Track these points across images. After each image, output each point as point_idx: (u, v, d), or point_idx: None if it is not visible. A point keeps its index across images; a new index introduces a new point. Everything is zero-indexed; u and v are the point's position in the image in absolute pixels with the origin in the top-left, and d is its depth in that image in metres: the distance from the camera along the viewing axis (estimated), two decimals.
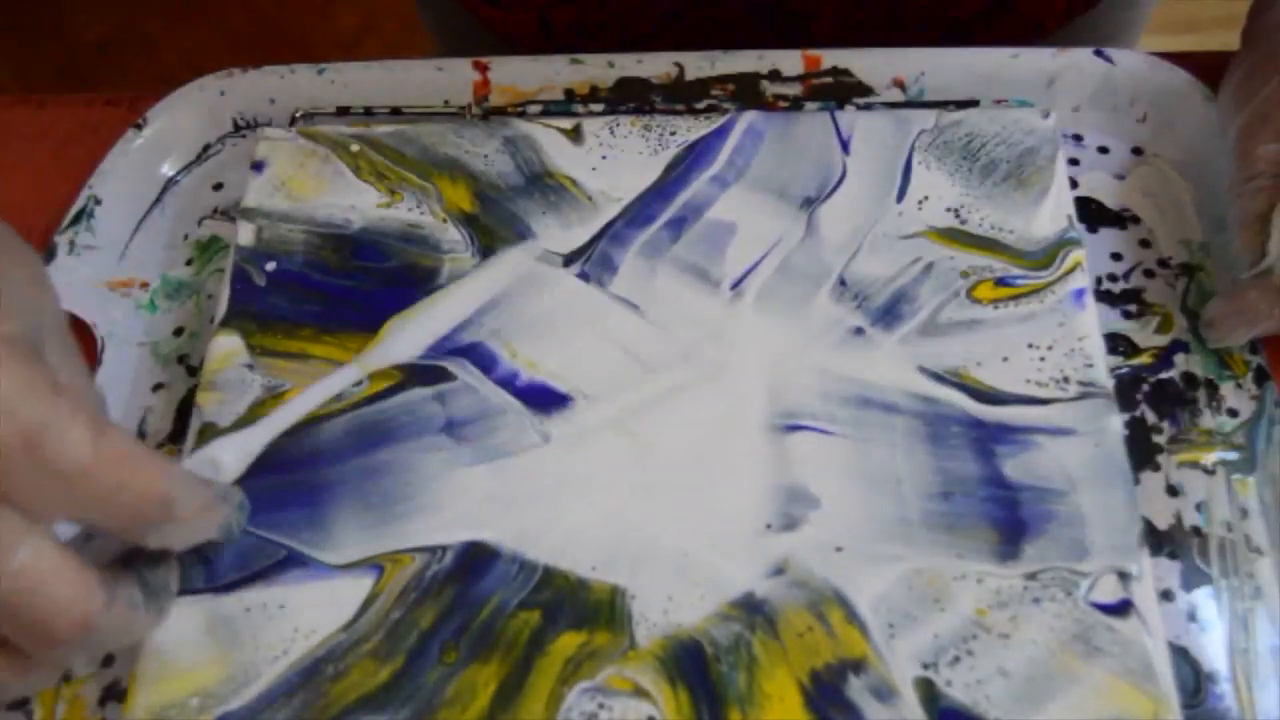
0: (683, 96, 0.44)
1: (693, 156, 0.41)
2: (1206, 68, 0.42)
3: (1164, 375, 0.38)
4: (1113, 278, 0.40)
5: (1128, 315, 0.40)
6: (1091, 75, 0.43)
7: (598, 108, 0.44)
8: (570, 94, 0.44)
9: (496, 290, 0.39)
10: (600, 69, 0.44)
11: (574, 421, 0.36)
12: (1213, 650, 0.33)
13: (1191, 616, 0.34)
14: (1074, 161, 0.43)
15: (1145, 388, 0.38)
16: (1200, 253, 0.41)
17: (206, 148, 0.44)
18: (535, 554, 0.34)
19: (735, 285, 0.39)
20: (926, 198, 0.40)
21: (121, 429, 0.29)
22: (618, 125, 0.42)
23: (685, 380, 0.37)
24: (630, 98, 0.44)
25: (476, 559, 0.34)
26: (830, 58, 0.44)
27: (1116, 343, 0.39)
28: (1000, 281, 0.38)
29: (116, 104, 0.46)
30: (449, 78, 0.44)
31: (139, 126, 0.43)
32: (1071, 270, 0.38)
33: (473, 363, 0.37)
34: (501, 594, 0.33)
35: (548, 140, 0.42)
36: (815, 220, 0.40)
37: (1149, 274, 0.40)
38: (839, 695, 0.31)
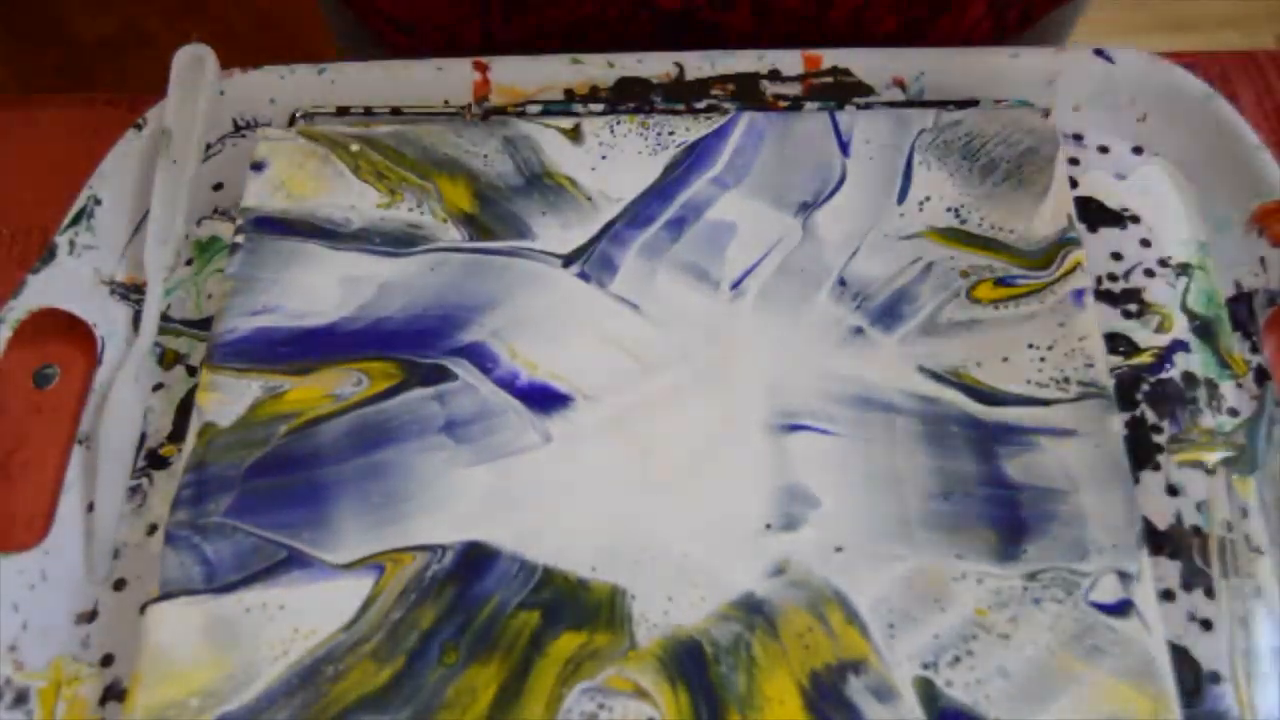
0: (683, 96, 0.44)
1: (693, 157, 0.41)
2: (1206, 68, 0.42)
3: (1164, 375, 0.38)
4: (1113, 278, 0.40)
5: (1128, 315, 0.40)
6: (1091, 75, 0.43)
7: (597, 107, 0.44)
8: (570, 94, 0.44)
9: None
10: (600, 69, 0.44)
11: (574, 421, 0.36)
12: (1213, 650, 0.33)
13: (1191, 616, 0.34)
14: (1074, 161, 0.43)
15: (1145, 388, 0.38)
16: (1200, 253, 0.41)
17: (207, 148, 0.44)
18: (535, 554, 0.34)
19: (735, 285, 0.39)
20: (927, 198, 0.40)
21: None
22: (617, 125, 0.42)
23: (685, 380, 0.37)
24: (630, 97, 0.44)
25: (476, 559, 0.34)
26: (830, 57, 0.43)
27: (1116, 343, 0.39)
28: (1000, 281, 0.38)
29: (116, 104, 0.46)
30: (449, 78, 0.44)
31: (139, 126, 0.43)
32: (1071, 270, 0.38)
33: (473, 363, 0.37)
34: (501, 594, 0.33)
35: (547, 140, 0.42)
36: (815, 220, 0.40)
37: (1149, 274, 0.40)
38: (839, 695, 0.31)
